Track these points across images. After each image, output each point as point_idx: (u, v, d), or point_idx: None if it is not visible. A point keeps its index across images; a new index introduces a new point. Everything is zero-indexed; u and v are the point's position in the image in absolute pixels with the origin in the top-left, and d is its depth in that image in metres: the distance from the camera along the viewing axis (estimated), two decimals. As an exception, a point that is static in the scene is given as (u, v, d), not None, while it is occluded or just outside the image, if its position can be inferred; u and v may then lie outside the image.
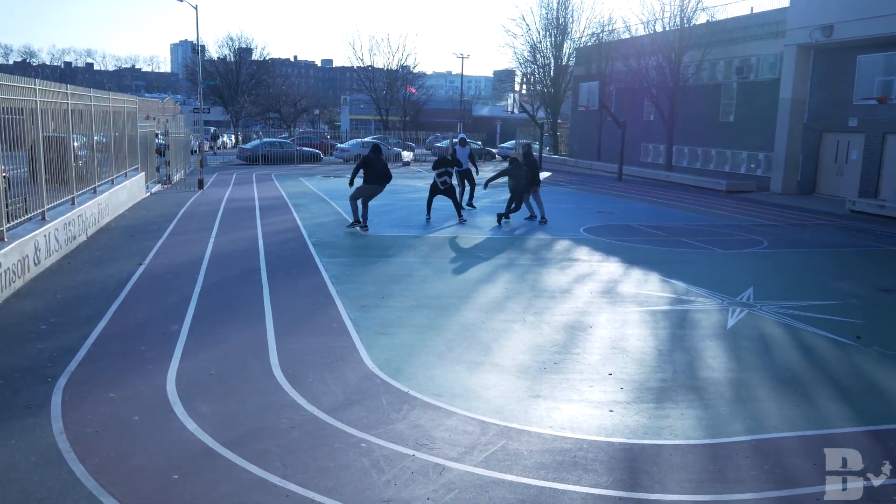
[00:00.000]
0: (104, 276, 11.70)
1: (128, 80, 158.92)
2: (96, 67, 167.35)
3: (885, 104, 19.83)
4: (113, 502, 4.84)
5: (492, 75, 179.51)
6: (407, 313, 9.81)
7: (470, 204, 21.26)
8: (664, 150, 38.81)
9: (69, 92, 14.50)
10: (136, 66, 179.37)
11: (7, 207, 10.85)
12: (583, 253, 14.91)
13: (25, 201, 12.01)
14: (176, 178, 29.64)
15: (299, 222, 18.10)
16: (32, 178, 12.35)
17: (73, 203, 14.50)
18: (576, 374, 7.68)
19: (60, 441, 5.72)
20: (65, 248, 13.22)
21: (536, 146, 47.40)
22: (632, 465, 5.67)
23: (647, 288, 11.90)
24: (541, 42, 52.59)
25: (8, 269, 10.12)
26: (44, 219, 12.50)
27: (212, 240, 15.25)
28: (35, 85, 12.12)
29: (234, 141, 63.29)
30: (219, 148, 58.96)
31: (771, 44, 32.10)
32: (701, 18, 36.93)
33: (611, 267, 13.52)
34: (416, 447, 5.79)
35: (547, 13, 47.84)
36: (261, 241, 15.15)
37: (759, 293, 11.64)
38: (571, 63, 50.23)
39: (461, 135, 22.40)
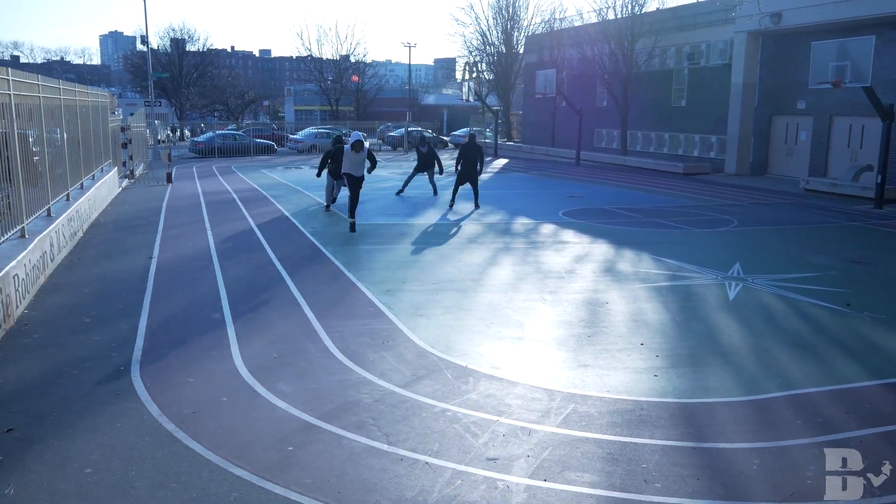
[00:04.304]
0: (119, 269, 11.90)
1: (58, 72, 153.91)
2: (23, 60, 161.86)
3: (839, 88, 20.90)
4: (244, 473, 5.23)
5: (433, 63, 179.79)
6: (432, 296, 10.29)
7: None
8: (618, 135, 39.82)
9: (61, 87, 14.55)
10: (66, 59, 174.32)
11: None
12: (570, 236, 15.55)
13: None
14: (138, 172, 29.46)
15: (286, 213, 18.35)
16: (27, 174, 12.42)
17: (67, 198, 14.55)
18: (611, 345, 8.28)
19: (164, 422, 6.06)
20: (69, 244, 13.32)
21: (489, 133, 48.10)
22: (692, 420, 6.28)
23: (643, 266, 12.58)
24: (490, 30, 53.20)
25: (35, 265, 10.27)
26: (49, 214, 12.59)
27: (209, 232, 15.45)
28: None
29: (179, 134, 62.39)
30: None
31: (720, 30, 33.27)
32: (651, 6, 38.00)
33: (602, 248, 14.18)
34: (497, 413, 6.30)
35: (496, 1, 48.37)
36: (258, 232, 15.41)
37: (746, 268, 12.42)
38: (521, 51, 50.94)
39: (357, 133, 17.46)
